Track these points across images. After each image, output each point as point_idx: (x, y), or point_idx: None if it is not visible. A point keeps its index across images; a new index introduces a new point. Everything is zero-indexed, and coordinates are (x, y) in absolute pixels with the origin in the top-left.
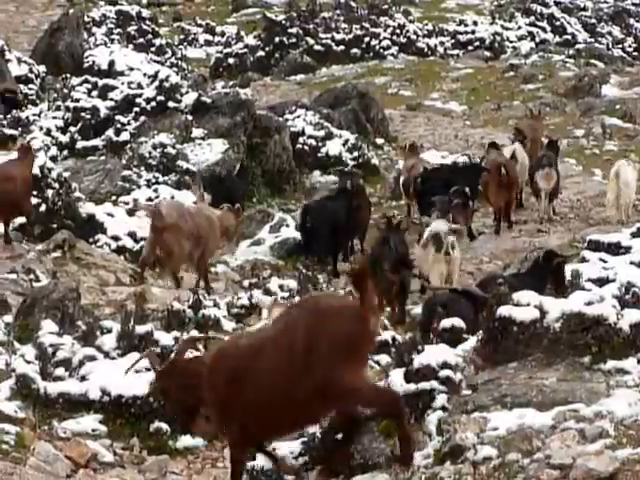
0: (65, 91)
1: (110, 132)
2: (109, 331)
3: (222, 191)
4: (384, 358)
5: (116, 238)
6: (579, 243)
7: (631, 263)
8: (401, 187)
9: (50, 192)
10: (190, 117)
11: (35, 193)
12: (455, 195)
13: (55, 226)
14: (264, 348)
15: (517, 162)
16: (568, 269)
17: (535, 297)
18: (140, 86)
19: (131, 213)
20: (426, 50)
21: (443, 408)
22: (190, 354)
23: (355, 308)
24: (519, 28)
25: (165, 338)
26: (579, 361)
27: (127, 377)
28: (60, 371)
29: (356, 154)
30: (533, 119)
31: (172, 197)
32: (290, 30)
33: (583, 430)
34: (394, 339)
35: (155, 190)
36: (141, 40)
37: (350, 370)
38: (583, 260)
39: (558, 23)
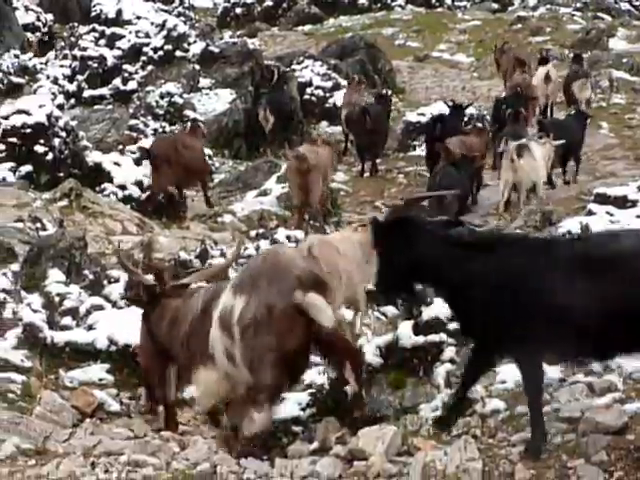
0: (72, 40)
1: (117, 81)
2: (116, 280)
3: None
4: (390, 310)
5: (123, 187)
6: (586, 196)
7: (637, 217)
8: (343, 121)
9: (57, 141)
10: (197, 67)
11: (42, 142)
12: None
13: (62, 175)
14: None
15: (551, 81)
16: (576, 221)
17: None
18: (147, 35)
19: (138, 162)
20: (434, 1)
21: (451, 361)
22: None
23: None
24: None
25: None
26: None
27: (134, 326)
28: (67, 320)
29: None
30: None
31: None
32: None
33: (592, 384)
34: None
35: None
36: None
37: None
38: (590, 213)
39: None
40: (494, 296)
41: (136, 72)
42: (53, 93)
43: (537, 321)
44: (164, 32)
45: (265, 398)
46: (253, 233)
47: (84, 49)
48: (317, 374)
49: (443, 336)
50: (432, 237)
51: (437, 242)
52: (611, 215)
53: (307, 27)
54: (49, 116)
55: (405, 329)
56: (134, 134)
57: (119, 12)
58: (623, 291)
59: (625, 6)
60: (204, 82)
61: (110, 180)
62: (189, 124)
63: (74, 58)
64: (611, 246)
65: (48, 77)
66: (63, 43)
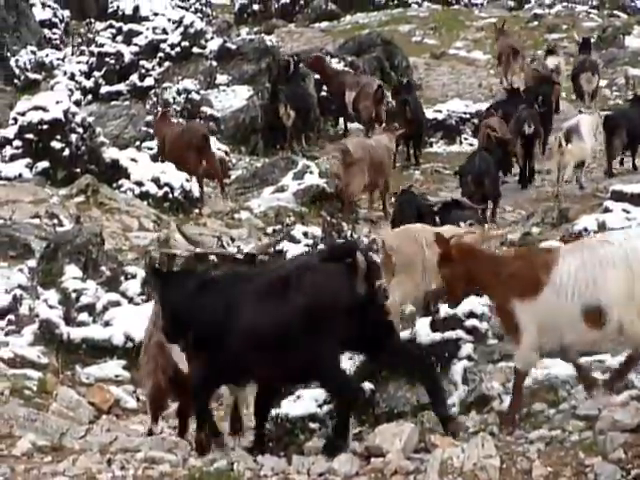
0: (89, 36)
1: (134, 77)
2: (133, 277)
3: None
4: (408, 307)
5: (139, 183)
6: (602, 193)
7: None
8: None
9: (74, 137)
10: (215, 63)
11: (59, 138)
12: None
13: (79, 171)
14: None
15: (560, 73)
16: (592, 219)
17: None
18: (165, 31)
19: (155, 159)
20: None
21: (469, 357)
22: None
23: None
24: None
25: None
26: None
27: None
28: (84, 316)
29: None
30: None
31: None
32: None
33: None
34: None
35: None
36: None
37: None
38: (606, 210)
39: None
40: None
41: (153, 68)
42: (70, 89)
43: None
44: (181, 28)
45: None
46: (270, 229)
47: (101, 45)
48: None
49: (460, 333)
50: (184, 285)
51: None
52: (627, 212)
53: (324, 24)
54: (66, 112)
55: (422, 326)
56: (151, 130)
57: (136, 8)
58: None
59: None
60: (221, 79)
61: (127, 176)
62: (159, 109)
63: (91, 54)
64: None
65: (65, 73)
66: (80, 39)
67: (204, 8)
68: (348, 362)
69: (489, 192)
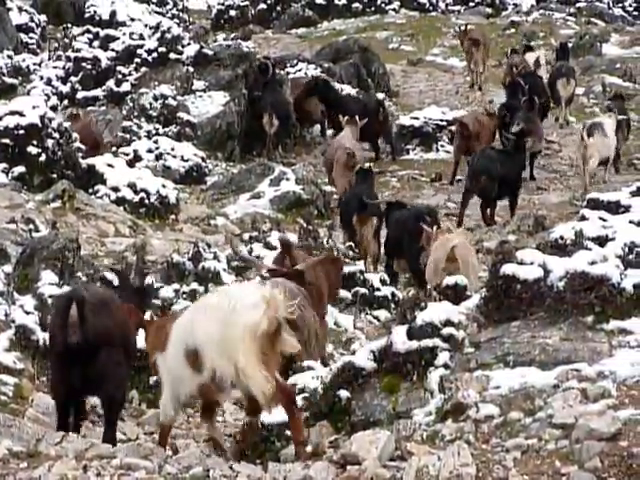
0: (66, 41)
1: (111, 83)
2: (110, 282)
3: None
4: (383, 314)
5: (116, 189)
6: (578, 201)
7: (630, 222)
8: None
9: (50, 142)
10: (191, 69)
11: (35, 143)
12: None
13: (55, 176)
14: None
15: (540, 66)
16: (569, 227)
17: (539, 256)
18: (141, 37)
19: (131, 164)
20: (427, 5)
21: (445, 366)
22: None
23: None
24: None
25: (165, 290)
26: (582, 320)
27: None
28: None
29: None
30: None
31: (172, 148)
32: None
33: (585, 390)
34: (393, 295)
35: (155, 141)
36: None
37: None
38: (583, 218)
39: None
40: None
41: (130, 74)
42: (47, 94)
43: None
44: (158, 34)
45: None
46: (246, 236)
47: (78, 50)
48: (310, 378)
49: (437, 341)
50: None
51: None
52: (604, 220)
53: (301, 30)
54: (42, 117)
55: (399, 334)
56: (127, 136)
57: (113, 14)
58: None
59: (618, 12)
60: (198, 84)
61: (103, 182)
62: (70, 111)
63: (68, 59)
64: None
65: (42, 78)
66: (57, 44)
67: (181, 14)
68: (324, 370)
69: (487, 190)
